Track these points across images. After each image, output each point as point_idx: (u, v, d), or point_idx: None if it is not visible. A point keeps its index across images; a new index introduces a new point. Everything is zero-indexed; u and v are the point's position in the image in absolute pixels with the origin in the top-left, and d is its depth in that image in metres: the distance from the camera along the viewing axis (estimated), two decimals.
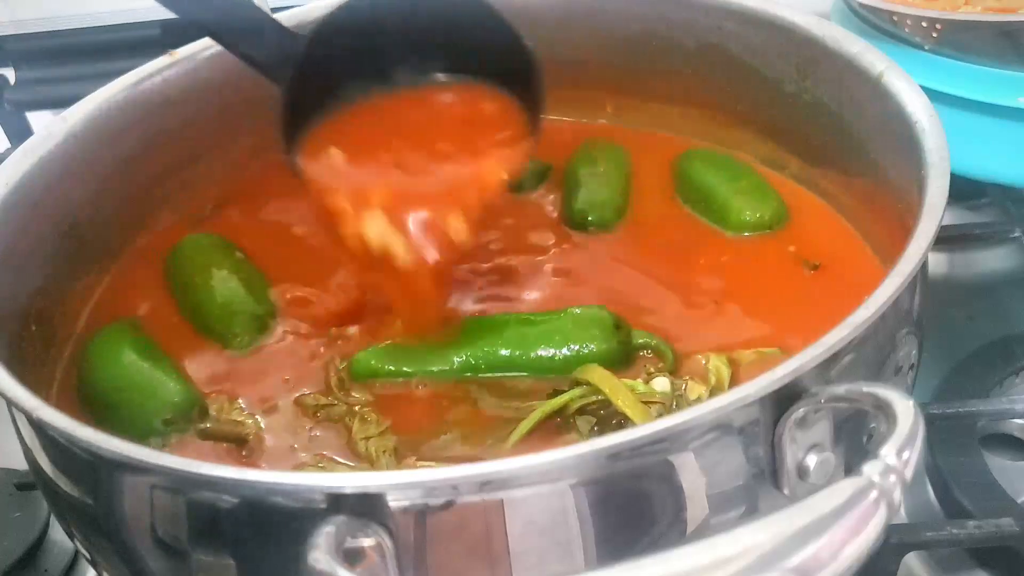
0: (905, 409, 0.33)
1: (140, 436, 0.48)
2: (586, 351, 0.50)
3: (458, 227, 0.50)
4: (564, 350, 0.51)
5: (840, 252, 0.57)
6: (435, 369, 0.51)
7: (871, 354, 0.41)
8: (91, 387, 0.52)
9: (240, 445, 0.48)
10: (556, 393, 0.48)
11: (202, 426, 0.49)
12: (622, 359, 0.50)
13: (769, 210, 0.59)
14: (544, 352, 0.51)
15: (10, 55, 0.98)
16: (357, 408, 0.49)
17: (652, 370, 0.50)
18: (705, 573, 0.30)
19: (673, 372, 0.50)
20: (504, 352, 0.51)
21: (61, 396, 0.52)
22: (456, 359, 0.51)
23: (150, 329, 0.55)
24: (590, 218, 0.61)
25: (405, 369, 0.51)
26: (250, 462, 0.48)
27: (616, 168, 0.64)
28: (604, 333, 0.51)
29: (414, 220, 0.50)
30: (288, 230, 0.62)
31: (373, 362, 0.52)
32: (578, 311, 0.52)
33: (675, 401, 0.47)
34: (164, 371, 0.52)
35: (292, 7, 0.65)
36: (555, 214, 0.62)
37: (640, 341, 0.51)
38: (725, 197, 0.60)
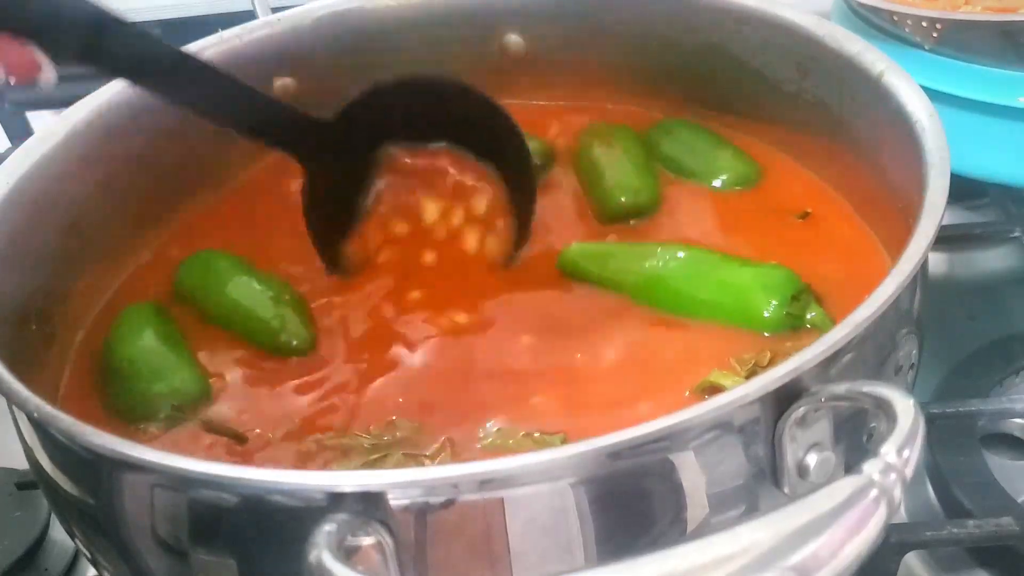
0: (905, 408, 0.33)
1: (143, 416, 0.49)
2: (753, 312, 0.50)
3: None
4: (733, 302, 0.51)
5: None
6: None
7: (871, 353, 0.41)
8: (104, 354, 0.53)
9: (239, 442, 0.48)
10: None
11: (205, 418, 0.49)
12: (784, 328, 0.50)
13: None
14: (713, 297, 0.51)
15: None
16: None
17: None
18: (705, 572, 0.30)
19: None
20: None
21: (64, 395, 0.52)
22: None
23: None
24: (623, 200, 0.60)
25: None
26: (247, 456, 0.47)
27: (635, 149, 0.63)
28: (779, 303, 0.50)
29: None
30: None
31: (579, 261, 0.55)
32: (762, 269, 0.52)
33: None
34: (180, 356, 0.52)
35: (292, 7, 0.65)
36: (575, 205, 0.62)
37: (809, 316, 0.50)
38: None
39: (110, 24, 0.48)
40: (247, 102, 0.54)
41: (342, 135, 0.57)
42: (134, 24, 0.49)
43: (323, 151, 0.56)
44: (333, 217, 0.58)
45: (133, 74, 0.50)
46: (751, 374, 0.47)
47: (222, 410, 0.50)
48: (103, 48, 0.48)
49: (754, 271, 0.52)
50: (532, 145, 0.64)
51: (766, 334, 0.50)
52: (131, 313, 0.55)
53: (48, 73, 0.50)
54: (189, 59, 0.52)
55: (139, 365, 0.51)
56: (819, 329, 0.50)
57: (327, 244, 0.58)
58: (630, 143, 0.64)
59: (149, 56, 0.50)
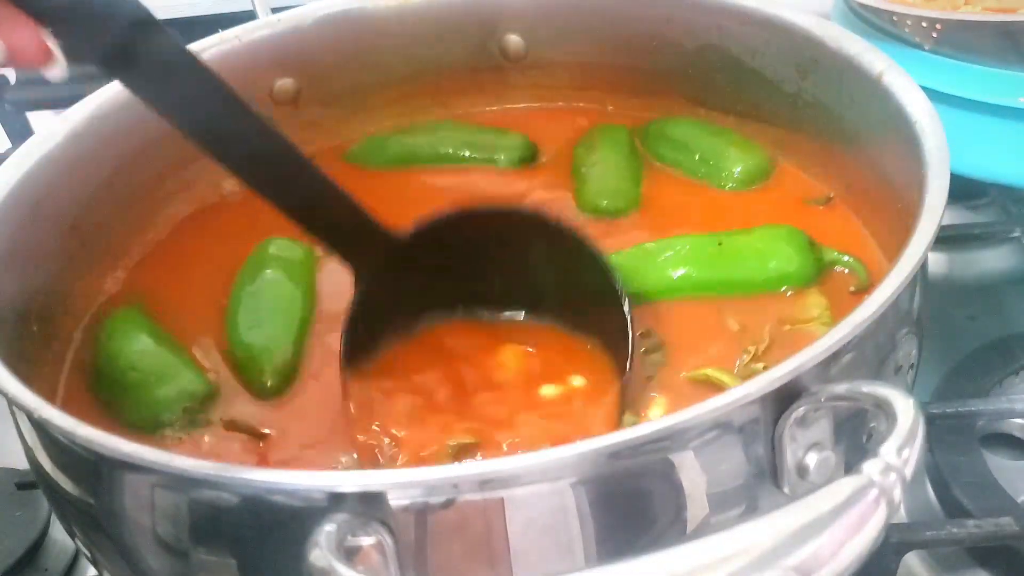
0: (905, 408, 0.33)
1: (150, 422, 0.49)
2: (781, 269, 0.53)
3: None
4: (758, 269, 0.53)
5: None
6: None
7: (871, 353, 0.41)
8: (103, 367, 0.52)
9: (258, 439, 0.48)
10: None
11: (226, 418, 0.49)
12: (815, 276, 0.53)
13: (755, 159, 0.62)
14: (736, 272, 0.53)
15: None
16: None
17: (853, 288, 0.53)
18: (705, 572, 0.30)
19: (866, 289, 0.52)
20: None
21: (64, 396, 0.52)
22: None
23: (162, 316, 0.55)
24: (604, 204, 0.61)
25: None
26: (264, 455, 0.48)
27: (621, 153, 0.64)
28: (799, 252, 0.53)
29: None
30: None
31: None
32: (768, 230, 0.54)
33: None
34: (180, 356, 0.52)
35: (292, 7, 0.65)
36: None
37: (830, 258, 0.54)
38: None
39: (152, 29, 0.40)
40: (308, 185, 0.45)
41: (411, 257, 0.49)
42: (184, 48, 0.41)
43: (386, 269, 0.49)
44: (370, 332, 0.51)
45: (162, 103, 0.42)
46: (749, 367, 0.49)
47: (233, 406, 0.50)
48: (138, 57, 0.40)
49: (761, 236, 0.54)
50: (514, 140, 0.66)
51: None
52: (120, 320, 0.54)
53: (59, 65, 0.41)
54: (242, 108, 0.43)
55: (142, 371, 0.51)
56: (849, 266, 0.53)
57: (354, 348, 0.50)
58: (617, 146, 0.64)
59: (190, 86, 0.42)
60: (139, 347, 0.52)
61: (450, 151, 0.66)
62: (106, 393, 0.51)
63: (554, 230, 0.51)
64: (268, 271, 0.56)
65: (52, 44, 0.40)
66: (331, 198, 0.47)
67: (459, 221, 0.50)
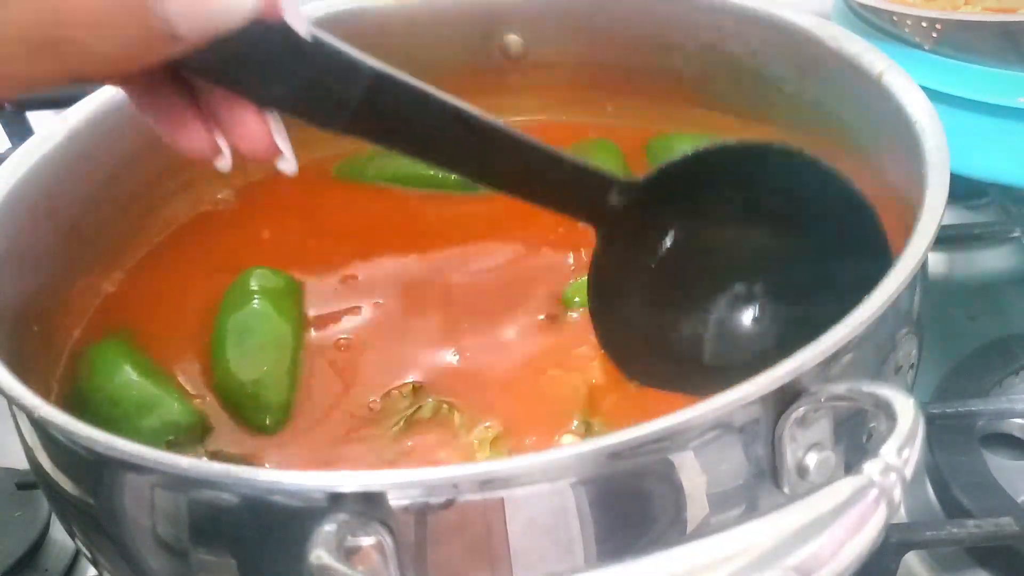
0: (905, 408, 0.33)
1: None
2: None
3: None
4: None
5: None
6: None
7: (871, 353, 0.41)
8: (86, 400, 0.50)
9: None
10: None
11: (212, 449, 0.48)
12: None
13: None
14: None
15: None
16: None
17: None
18: (705, 572, 0.30)
19: None
20: None
21: (63, 396, 0.52)
22: None
23: (152, 337, 0.54)
24: None
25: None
26: None
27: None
28: None
29: None
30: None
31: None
32: None
33: None
34: (164, 388, 0.50)
35: None
36: None
37: None
38: None
39: (389, 83, 0.39)
40: (539, 165, 0.44)
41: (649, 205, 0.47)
42: (410, 83, 0.40)
43: (623, 218, 0.47)
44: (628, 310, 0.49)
45: (403, 142, 0.41)
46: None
47: (223, 438, 0.49)
48: (378, 113, 0.39)
49: None
50: None
51: None
52: (101, 351, 0.52)
53: (289, 161, 0.38)
54: (473, 119, 0.42)
55: (124, 404, 0.49)
56: None
57: (614, 339, 0.49)
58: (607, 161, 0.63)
59: (428, 119, 0.41)
60: (121, 379, 0.50)
61: (427, 173, 0.64)
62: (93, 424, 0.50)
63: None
64: (254, 303, 0.53)
65: (278, 134, 0.37)
66: (554, 167, 0.45)
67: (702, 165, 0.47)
